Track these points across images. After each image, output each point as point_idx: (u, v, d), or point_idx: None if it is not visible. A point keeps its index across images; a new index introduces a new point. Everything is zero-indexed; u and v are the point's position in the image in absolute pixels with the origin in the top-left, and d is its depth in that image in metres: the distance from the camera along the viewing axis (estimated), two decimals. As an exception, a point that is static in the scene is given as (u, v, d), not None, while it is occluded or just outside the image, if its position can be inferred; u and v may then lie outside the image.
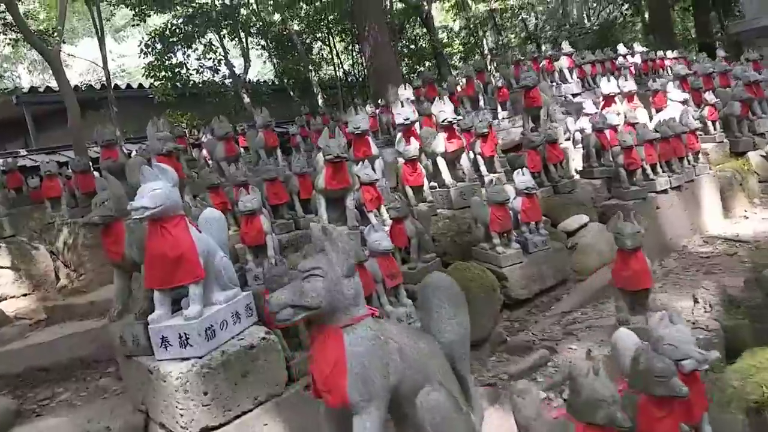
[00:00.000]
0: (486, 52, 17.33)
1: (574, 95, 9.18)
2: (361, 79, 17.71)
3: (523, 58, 9.04)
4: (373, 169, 4.84)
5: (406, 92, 7.54)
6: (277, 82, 17.06)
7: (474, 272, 4.35)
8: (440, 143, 5.04)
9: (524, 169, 4.71)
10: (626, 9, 19.01)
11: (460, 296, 2.03)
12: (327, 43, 17.31)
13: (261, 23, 15.54)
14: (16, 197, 7.37)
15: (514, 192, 4.72)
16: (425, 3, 16.73)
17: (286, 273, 3.28)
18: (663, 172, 5.70)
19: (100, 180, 3.29)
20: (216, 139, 6.54)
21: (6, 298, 5.73)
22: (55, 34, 10.30)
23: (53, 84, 12.46)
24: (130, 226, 3.17)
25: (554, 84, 9.00)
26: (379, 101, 12.12)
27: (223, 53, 14.44)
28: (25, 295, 5.81)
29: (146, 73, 13.95)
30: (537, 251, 4.75)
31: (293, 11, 15.62)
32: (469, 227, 5.00)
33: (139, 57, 13.98)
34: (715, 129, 7.18)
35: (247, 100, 13.12)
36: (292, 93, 15.92)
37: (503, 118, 8.11)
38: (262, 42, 16.68)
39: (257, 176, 5.54)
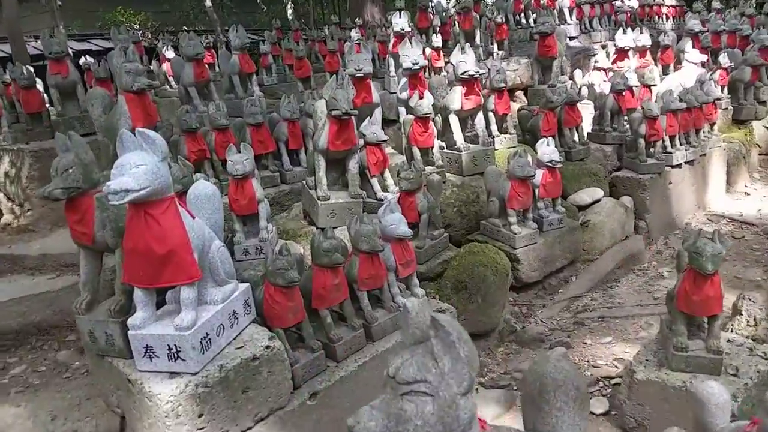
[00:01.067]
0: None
1: (571, 38, 8.58)
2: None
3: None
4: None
5: (401, 21, 6.55)
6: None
7: (488, 256, 3.90)
8: (456, 99, 4.39)
9: (549, 139, 4.20)
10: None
11: (585, 393, 1.56)
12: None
13: None
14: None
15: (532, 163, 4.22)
16: None
17: (292, 265, 2.73)
18: (681, 144, 5.30)
19: (61, 137, 2.55)
20: (185, 59, 5.60)
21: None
22: None
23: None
24: (101, 201, 2.49)
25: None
26: (357, 20, 11.09)
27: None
28: (-40, 232, 5.00)
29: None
30: (552, 230, 4.33)
31: None
32: (478, 196, 4.50)
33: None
34: (722, 94, 6.79)
35: (208, 3, 11.72)
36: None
37: (499, 58, 7.42)
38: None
39: (235, 114, 4.79)
